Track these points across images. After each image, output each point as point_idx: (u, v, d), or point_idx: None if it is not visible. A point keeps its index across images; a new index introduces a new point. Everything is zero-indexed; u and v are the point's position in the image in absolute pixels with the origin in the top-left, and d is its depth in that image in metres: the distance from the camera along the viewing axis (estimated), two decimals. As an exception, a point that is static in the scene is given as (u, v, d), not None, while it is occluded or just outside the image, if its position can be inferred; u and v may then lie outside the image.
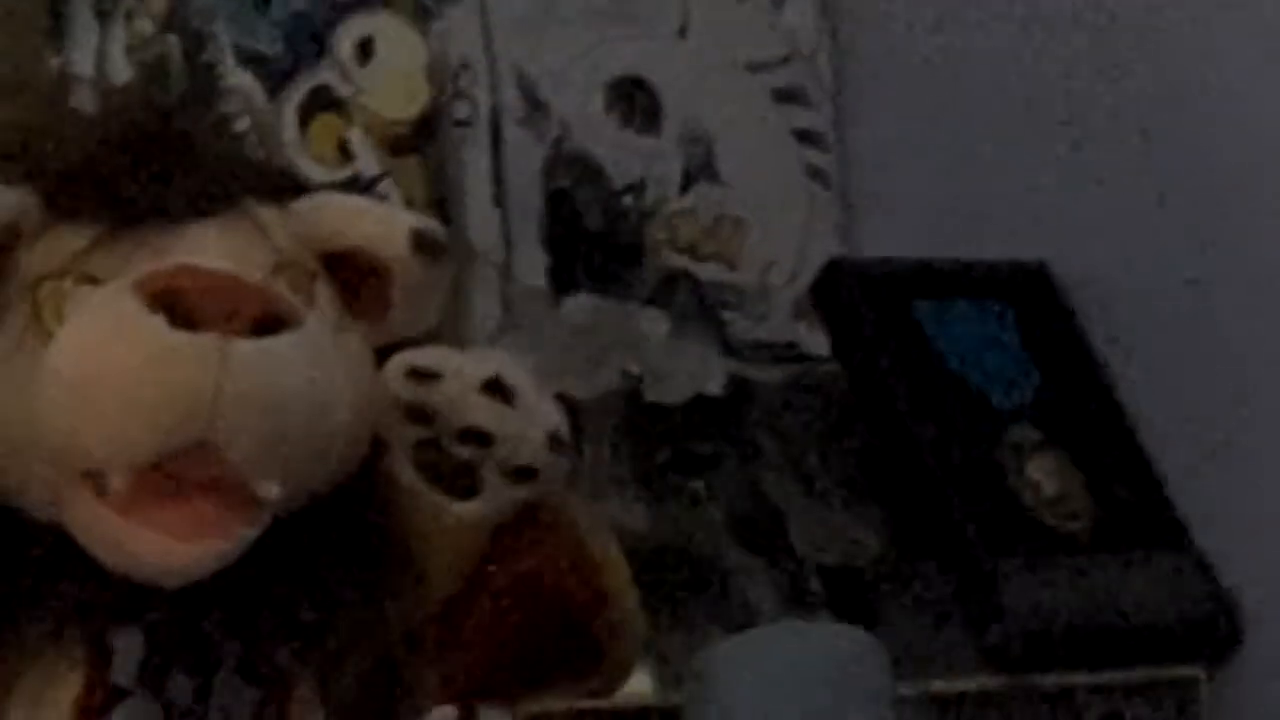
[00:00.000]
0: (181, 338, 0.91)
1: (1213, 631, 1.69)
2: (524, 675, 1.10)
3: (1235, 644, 1.67)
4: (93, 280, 0.96)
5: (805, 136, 1.78)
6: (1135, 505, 1.73)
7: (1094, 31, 2.05)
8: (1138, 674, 1.61)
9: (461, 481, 1.03)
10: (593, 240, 1.74)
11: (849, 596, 1.66)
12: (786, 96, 1.82)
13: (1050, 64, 2.02)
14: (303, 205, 1.06)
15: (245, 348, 0.92)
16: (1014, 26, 2.04)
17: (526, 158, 1.76)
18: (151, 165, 1.02)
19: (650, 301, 1.66)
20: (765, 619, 1.64)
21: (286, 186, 1.10)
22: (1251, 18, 1.91)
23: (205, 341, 0.91)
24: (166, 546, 0.94)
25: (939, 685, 1.56)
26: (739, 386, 1.55)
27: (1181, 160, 1.97)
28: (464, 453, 1.02)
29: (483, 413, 1.02)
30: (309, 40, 1.62)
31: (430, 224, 1.07)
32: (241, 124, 1.53)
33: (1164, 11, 2.01)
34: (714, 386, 1.52)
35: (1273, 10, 1.89)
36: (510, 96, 1.76)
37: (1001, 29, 2.03)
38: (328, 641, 1.03)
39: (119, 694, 0.98)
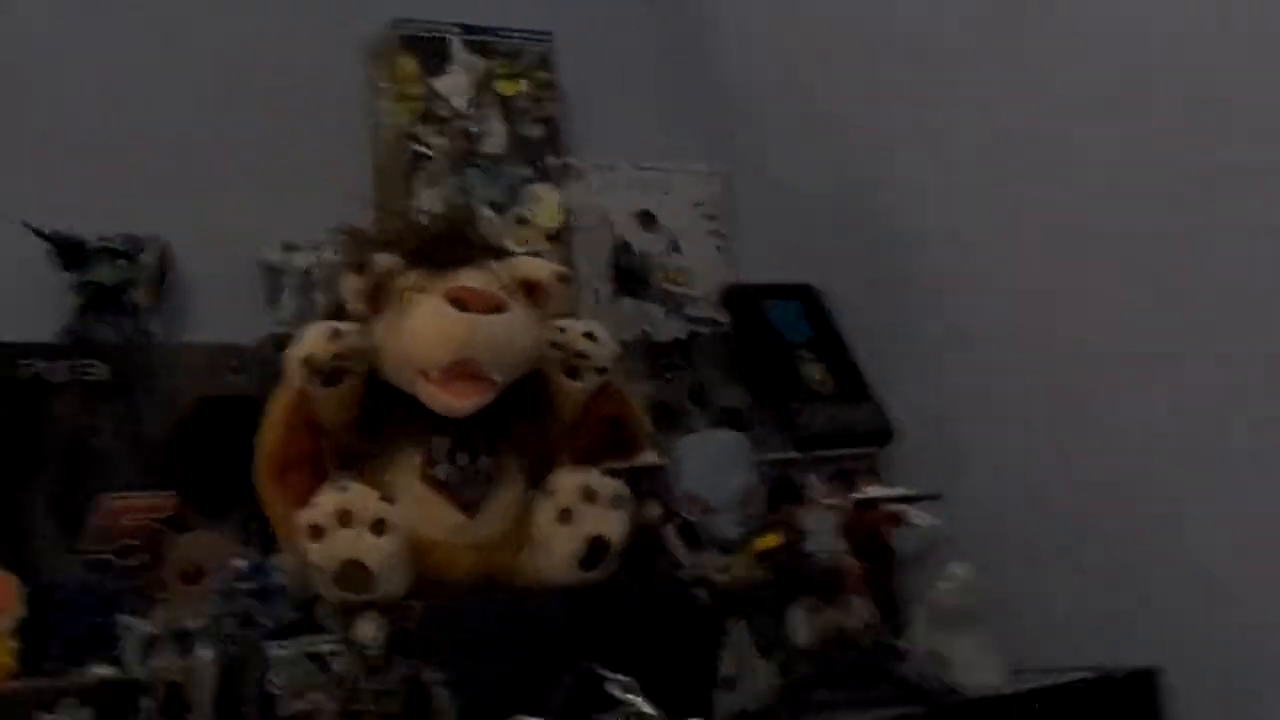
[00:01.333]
0: (461, 314, 1.59)
1: (884, 435, 2.08)
2: (604, 454, 1.70)
3: (890, 438, 2.05)
4: (423, 290, 1.62)
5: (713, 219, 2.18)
6: (856, 383, 2.12)
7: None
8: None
9: (575, 374, 1.68)
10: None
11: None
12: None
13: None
14: (509, 260, 1.73)
15: (486, 319, 1.60)
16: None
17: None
18: (448, 246, 1.68)
19: (658, 303, 2.12)
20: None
21: (503, 253, 1.75)
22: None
23: (471, 317, 1.59)
24: (454, 402, 1.61)
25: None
26: (693, 336, 2.08)
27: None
28: (576, 364, 1.68)
29: (584, 344, 1.68)
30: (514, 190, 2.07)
31: (560, 268, 1.73)
32: (487, 229, 1.91)
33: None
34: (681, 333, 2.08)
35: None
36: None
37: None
38: (524, 439, 1.68)
39: (435, 463, 1.63)
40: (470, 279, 1.68)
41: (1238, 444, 1.62)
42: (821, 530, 1.56)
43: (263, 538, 1.69)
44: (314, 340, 1.63)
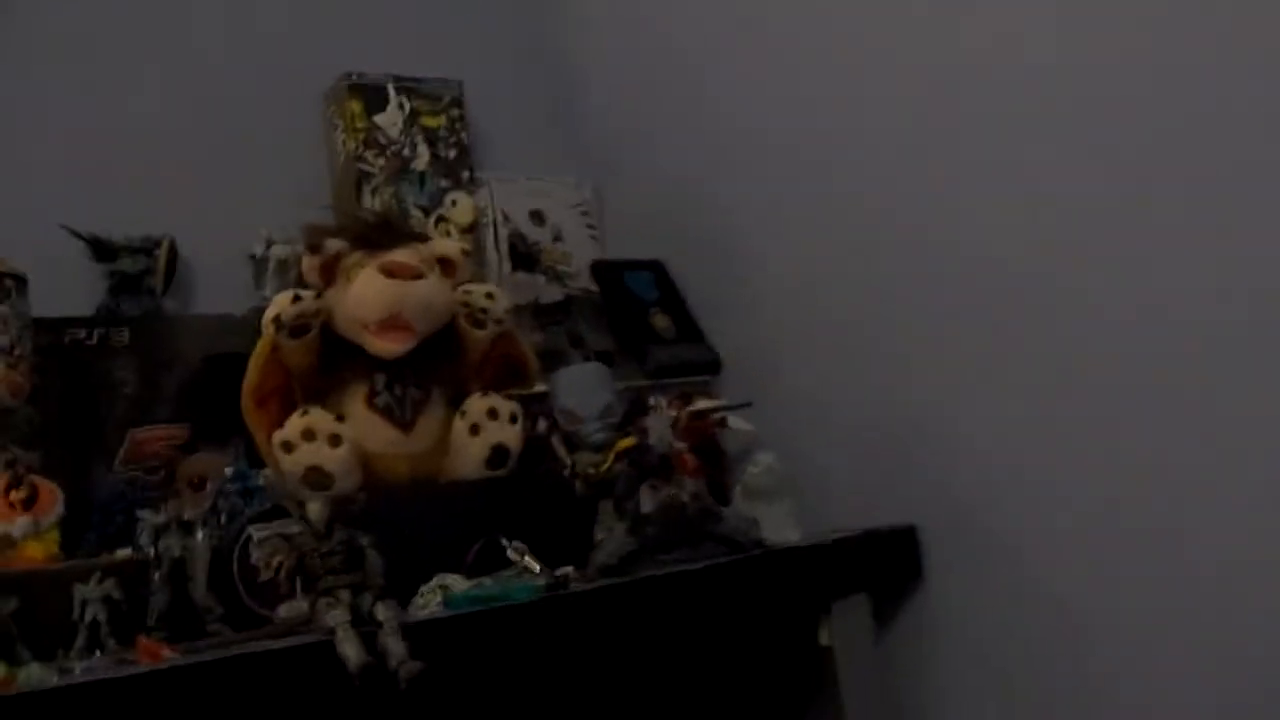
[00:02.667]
0: (391, 281, 1.59)
1: (714, 366, 2.04)
2: (503, 384, 1.68)
3: (719, 369, 2.03)
4: (363, 265, 1.61)
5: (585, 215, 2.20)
6: (692, 329, 2.07)
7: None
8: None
9: (479, 325, 1.66)
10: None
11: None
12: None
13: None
14: (428, 243, 1.72)
15: (411, 284, 1.60)
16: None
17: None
18: (382, 232, 1.67)
19: (545, 276, 2.10)
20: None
21: (424, 238, 1.75)
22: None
23: (399, 283, 1.59)
24: (388, 347, 1.60)
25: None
26: (570, 299, 2.08)
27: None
28: (479, 317, 1.66)
29: (485, 303, 1.66)
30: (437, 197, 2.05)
31: (465, 247, 1.73)
32: (413, 223, 1.97)
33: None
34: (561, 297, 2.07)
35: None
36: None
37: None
38: (443, 374, 1.65)
39: (376, 394, 1.61)
40: (399, 256, 1.66)
41: (997, 348, 1.60)
42: (659, 429, 1.54)
43: (251, 456, 1.67)
44: (280, 304, 1.61)
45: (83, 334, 1.79)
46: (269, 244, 1.93)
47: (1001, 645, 1.61)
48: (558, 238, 2.12)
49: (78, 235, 1.84)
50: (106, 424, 1.77)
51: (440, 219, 2.03)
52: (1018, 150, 1.56)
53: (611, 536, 1.51)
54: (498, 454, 1.64)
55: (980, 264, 1.61)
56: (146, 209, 1.90)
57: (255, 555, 1.43)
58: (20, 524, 1.44)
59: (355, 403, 1.65)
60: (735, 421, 1.74)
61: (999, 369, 1.59)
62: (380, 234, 1.69)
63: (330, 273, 1.65)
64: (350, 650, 1.20)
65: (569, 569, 1.46)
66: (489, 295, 1.71)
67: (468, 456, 1.65)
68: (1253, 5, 1.30)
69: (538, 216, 2.12)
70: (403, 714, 1.32)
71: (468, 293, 1.70)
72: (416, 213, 2.03)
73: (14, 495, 1.46)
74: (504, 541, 1.51)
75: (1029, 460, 1.57)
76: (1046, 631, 1.56)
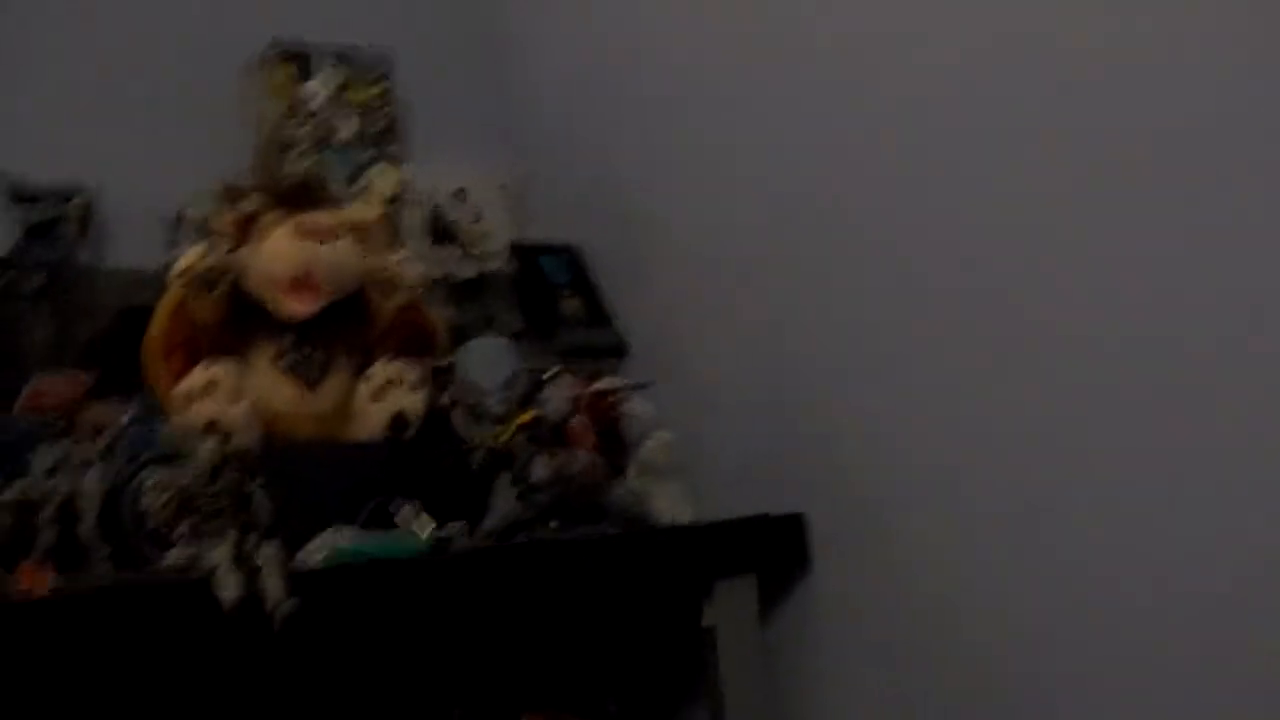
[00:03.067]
0: (305, 241, 1.61)
1: (621, 350, 2.03)
2: (409, 353, 1.67)
3: (625, 352, 2.03)
4: (278, 225, 1.62)
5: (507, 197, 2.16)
6: (601, 314, 2.06)
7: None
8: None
9: (390, 291, 1.67)
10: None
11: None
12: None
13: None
14: (344, 207, 1.74)
15: (324, 246, 1.62)
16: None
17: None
18: (300, 194, 1.68)
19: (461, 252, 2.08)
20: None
21: (340, 203, 1.75)
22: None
23: (312, 244, 1.60)
24: (297, 307, 1.61)
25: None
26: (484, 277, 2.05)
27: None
28: (391, 283, 1.67)
29: (399, 270, 1.68)
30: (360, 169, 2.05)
31: (379, 212, 1.76)
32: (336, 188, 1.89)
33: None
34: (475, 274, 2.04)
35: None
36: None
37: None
38: (350, 339, 1.66)
39: (283, 353, 1.62)
40: (315, 218, 1.67)
41: (892, 341, 1.60)
42: (554, 399, 1.57)
43: (155, 408, 1.63)
44: (191, 257, 1.62)
45: (-6, 276, 1.74)
46: (187, 204, 1.92)
47: (885, 632, 1.63)
48: (478, 217, 2.13)
49: (-5, 179, 1.81)
50: (11, 368, 1.74)
51: (363, 190, 2.03)
52: (923, 136, 1.57)
53: (502, 501, 1.52)
54: (399, 420, 1.65)
55: (877, 256, 1.63)
56: (67, 158, 1.90)
57: (147, 499, 1.43)
58: (-88, 455, 1.44)
59: (261, 361, 1.65)
60: (636, 405, 1.76)
61: (892, 362, 1.61)
62: (298, 195, 1.70)
63: (244, 229, 1.66)
64: (227, 587, 1.21)
65: (458, 524, 1.47)
66: (400, 263, 1.72)
67: (369, 421, 1.65)
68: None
69: (460, 195, 2.13)
70: (279, 656, 1.34)
71: (380, 259, 1.71)
72: (339, 184, 2.00)
73: (-91, 427, 1.46)
74: (396, 502, 1.53)
75: (917, 452, 1.59)
76: (930, 618, 1.57)
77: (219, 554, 1.24)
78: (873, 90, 1.63)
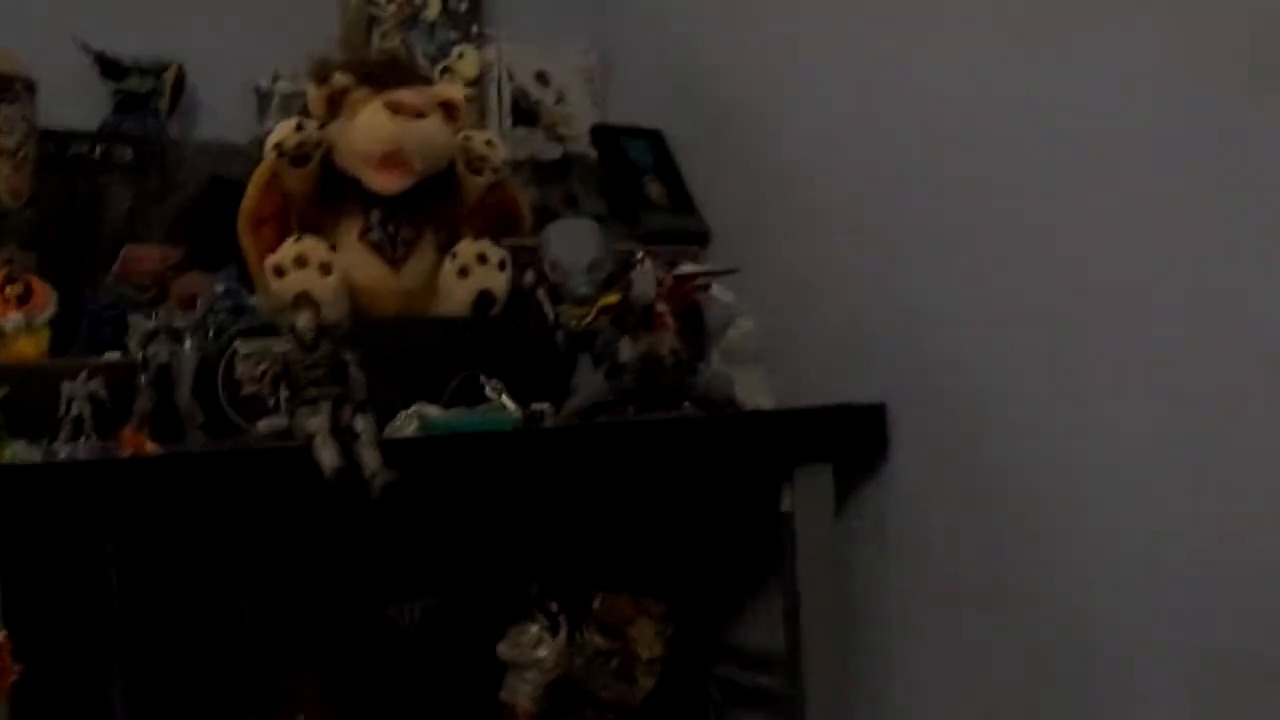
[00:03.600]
0: (394, 117, 1.60)
1: (704, 237, 2.03)
2: (494, 233, 1.69)
3: (708, 239, 2.02)
4: (368, 102, 1.62)
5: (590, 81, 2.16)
6: (685, 199, 2.06)
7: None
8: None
9: (477, 171, 1.68)
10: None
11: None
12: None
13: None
14: (433, 85, 1.74)
15: (413, 122, 1.61)
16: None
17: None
18: (388, 71, 1.69)
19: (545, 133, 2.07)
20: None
21: (428, 80, 1.78)
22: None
23: (402, 119, 1.60)
24: (386, 183, 1.62)
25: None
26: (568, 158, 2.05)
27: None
28: (477, 163, 1.68)
29: (484, 150, 1.68)
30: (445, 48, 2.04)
31: (469, 92, 1.80)
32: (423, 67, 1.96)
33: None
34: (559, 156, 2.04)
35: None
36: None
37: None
38: (437, 217, 1.67)
39: (370, 229, 1.63)
40: (404, 95, 1.66)
41: (978, 239, 1.61)
42: (642, 282, 1.58)
43: (244, 280, 1.65)
44: (283, 131, 1.62)
45: (86, 148, 1.77)
46: (275, 78, 1.92)
47: (959, 525, 1.64)
48: (560, 100, 2.12)
49: (88, 50, 1.82)
50: (102, 239, 1.76)
51: (446, 70, 2.02)
52: (1013, 57, 1.57)
53: (589, 381, 1.54)
54: (484, 298, 1.66)
55: (968, 161, 1.62)
56: (158, 33, 1.89)
57: (240, 369, 1.46)
58: (13, 319, 1.47)
59: (349, 236, 1.66)
60: (718, 291, 1.76)
61: (978, 259, 1.61)
62: (386, 72, 1.70)
63: (335, 105, 1.66)
64: (326, 455, 1.24)
65: (545, 405, 1.48)
66: (488, 143, 1.72)
67: (454, 298, 1.66)
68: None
69: (542, 77, 2.12)
70: (370, 523, 1.36)
71: (468, 138, 1.71)
72: (423, 61, 2.01)
73: (9, 291, 1.48)
74: (482, 379, 1.54)
75: (1000, 348, 1.59)
76: (1005, 516, 1.58)
77: (316, 424, 1.26)
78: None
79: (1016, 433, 1.57)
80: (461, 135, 1.70)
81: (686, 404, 1.61)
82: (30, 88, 1.64)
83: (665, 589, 1.77)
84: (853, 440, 1.71)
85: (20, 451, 1.23)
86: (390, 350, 1.49)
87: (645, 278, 1.55)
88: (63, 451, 1.28)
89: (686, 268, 1.74)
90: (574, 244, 1.74)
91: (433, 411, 1.46)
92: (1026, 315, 1.55)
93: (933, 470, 1.68)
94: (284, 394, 1.33)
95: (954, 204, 1.63)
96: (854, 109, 1.78)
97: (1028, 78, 1.53)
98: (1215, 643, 1.36)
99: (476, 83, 2.02)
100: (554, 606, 1.65)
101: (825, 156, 1.83)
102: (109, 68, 1.84)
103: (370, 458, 1.25)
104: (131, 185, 1.80)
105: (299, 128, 1.62)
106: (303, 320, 1.30)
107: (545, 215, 1.91)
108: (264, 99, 1.94)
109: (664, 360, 1.54)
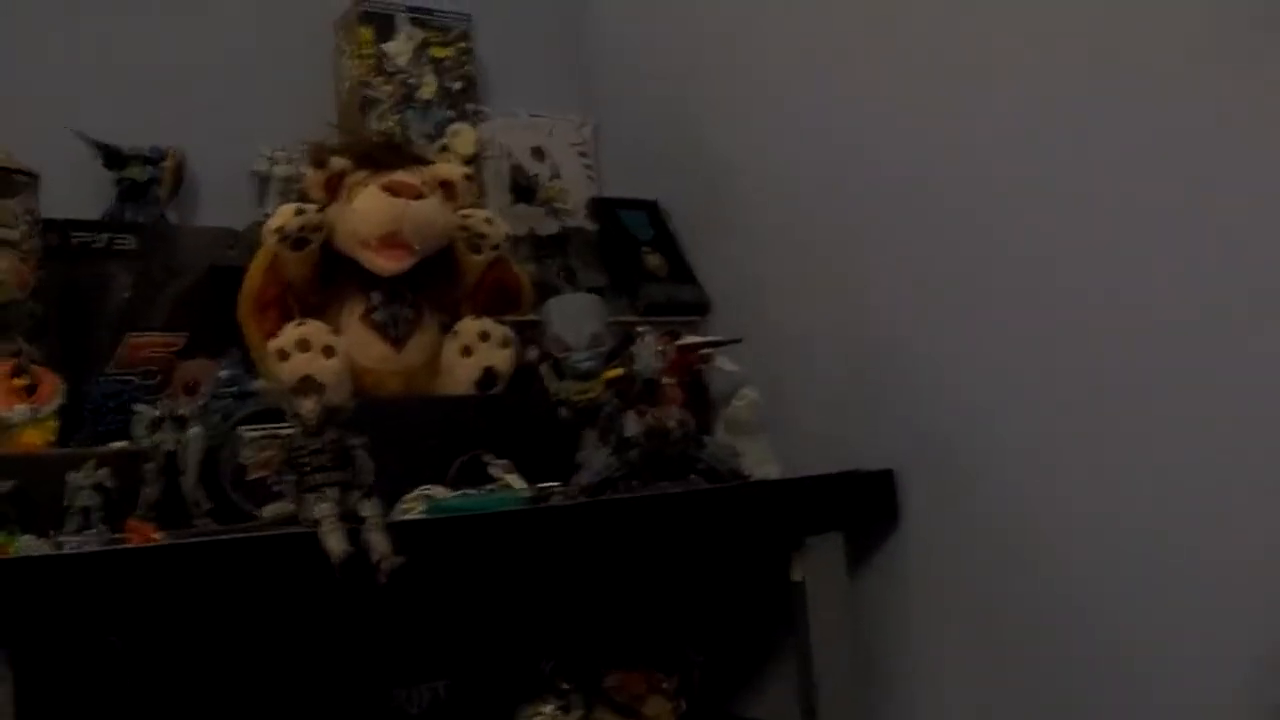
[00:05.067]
0: (394, 199, 1.63)
1: (704, 307, 2.01)
2: (495, 310, 1.71)
3: (708, 309, 2.01)
4: (366, 184, 1.64)
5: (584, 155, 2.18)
6: (684, 270, 2.05)
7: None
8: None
9: (476, 249, 1.71)
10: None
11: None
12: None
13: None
14: (430, 165, 1.74)
15: (412, 203, 1.63)
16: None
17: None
18: (386, 153, 1.71)
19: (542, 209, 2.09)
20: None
21: (426, 161, 1.77)
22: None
23: (401, 201, 1.62)
24: (386, 264, 1.64)
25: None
26: (566, 233, 2.05)
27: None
28: (477, 242, 1.70)
29: (483, 227, 1.70)
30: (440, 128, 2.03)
31: (466, 170, 1.75)
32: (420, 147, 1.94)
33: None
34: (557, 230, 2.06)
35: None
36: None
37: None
38: (438, 296, 1.69)
39: (372, 310, 1.65)
40: (402, 176, 1.68)
41: (984, 297, 1.60)
42: (645, 355, 1.57)
43: (246, 364, 1.65)
44: (283, 215, 1.64)
45: (89, 237, 1.79)
46: (273, 162, 1.95)
47: (976, 590, 1.62)
48: (556, 174, 2.14)
49: (89, 141, 1.85)
50: (105, 326, 1.77)
51: (443, 149, 2.03)
52: (1011, 103, 1.56)
53: (595, 457, 1.53)
54: (488, 376, 1.68)
55: (970, 213, 1.61)
56: (157, 121, 1.91)
57: (245, 454, 1.47)
58: (19, 411, 1.48)
59: (350, 318, 1.68)
60: (721, 361, 1.76)
61: (984, 317, 1.60)
62: (384, 154, 1.72)
63: (333, 189, 1.68)
64: (334, 542, 1.23)
65: (553, 484, 1.48)
66: (488, 220, 1.74)
67: (458, 377, 1.67)
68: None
69: (538, 152, 2.14)
70: (378, 607, 1.35)
71: (467, 217, 1.73)
72: (420, 141, 2.02)
73: (16, 383, 1.49)
74: (487, 457, 1.54)
75: (1008, 409, 1.58)
76: (1020, 578, 1.57)
77: (323, 509, 1.25)
78: (968, 50, 1.62)
79: (1030, 493, 1.56)
80: (460, 214, 1.72)
81: (693, 476, 1.59)
82: (33, 179, 1.65)
83: (677, 662, 1.75)
84: (862, 507, 1.70)
85: (29, 544, 1.22)
86: (394, 430, 1.48)
87: (647, 351, 1.55)
88: (70, 543, 1.26)
89: (688, 339, 1.74)
90: (575, 319, 1.73)
91: (440, 493, 1.45)
92: (1036, 374, 1.53)
93: (945, 534, 1.66)
94: (290, 480, 1.31)
95: (960, 264, 1.62)
96: (847, 169, 1.78)
97: (1039, 140, 1.53)
98: (1242, 696, 1.34)
99: (473, 160, 2.02)
100: (566, 685, 1.64)
101: (820, 219, 1.84)
102: (110, 157, 1.87)
103: (378, 542, 1.24)
104: (133, 272, 1.81)
105: (298, 212, 1.63)
106: (307, 406, 1.29)
107: (545, 290, 1.91)
108: (262, 183, 1.97)
109: (670, 433, 1.53)
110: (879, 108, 1.73)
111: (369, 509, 1.27)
